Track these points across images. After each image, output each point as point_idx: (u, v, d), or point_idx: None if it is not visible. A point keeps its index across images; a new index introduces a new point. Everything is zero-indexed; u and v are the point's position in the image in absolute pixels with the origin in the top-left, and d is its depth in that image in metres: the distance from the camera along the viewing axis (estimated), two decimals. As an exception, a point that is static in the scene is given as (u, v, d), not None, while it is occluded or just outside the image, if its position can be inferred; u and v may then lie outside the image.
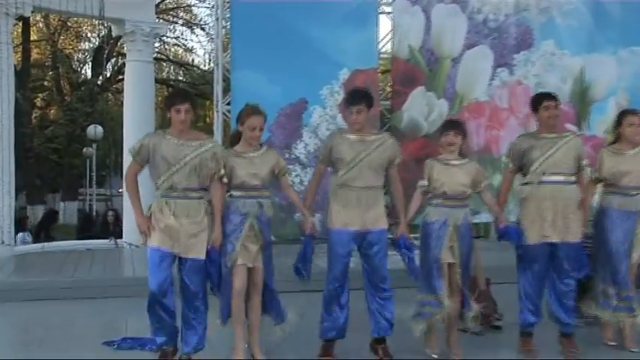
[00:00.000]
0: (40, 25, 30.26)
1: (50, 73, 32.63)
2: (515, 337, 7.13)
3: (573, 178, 6.90)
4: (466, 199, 6.93)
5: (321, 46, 12.51)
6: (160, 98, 27.83)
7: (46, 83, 33.15)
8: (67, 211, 30.27)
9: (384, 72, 16.72)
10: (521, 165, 7.07)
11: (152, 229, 6.15)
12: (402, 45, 13.16)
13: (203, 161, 6.25)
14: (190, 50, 34.52)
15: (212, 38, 24.57)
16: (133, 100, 15.01)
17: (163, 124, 30.00)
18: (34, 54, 31.02)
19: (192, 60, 35.02)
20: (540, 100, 7.13)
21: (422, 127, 12.85)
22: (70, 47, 33.98)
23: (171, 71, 35.15)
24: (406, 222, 6.91)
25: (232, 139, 6.94)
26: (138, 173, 6.41)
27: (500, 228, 6.98)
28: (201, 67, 33.46)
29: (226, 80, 13.16)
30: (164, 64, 33.43)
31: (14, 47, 17.66)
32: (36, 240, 17.93)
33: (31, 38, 29.88)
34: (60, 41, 32.16)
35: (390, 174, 6.92)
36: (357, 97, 6.89)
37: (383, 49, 14.04)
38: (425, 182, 6.85)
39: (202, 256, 6.26)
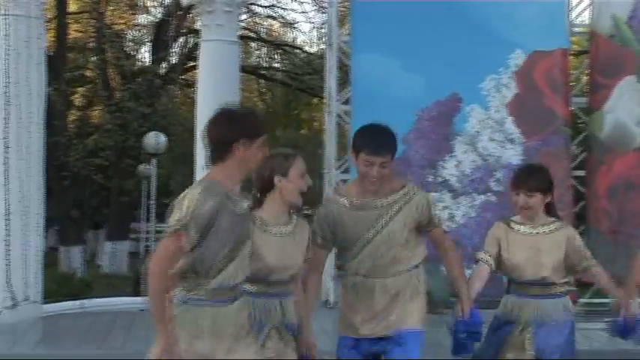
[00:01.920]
0: (81, -10, 30.91)
1: (93, 58, 33.20)
2: None
3: None
4: None
5: (482, 18, 12.48)
6: (247, 93, 28.24)
7: (87, 73, 33.76)
8: (115, 255, 30.82)
9: (578, 54, 16.55)
10: None
11: None
12: (602, 16, 13.07)
13: None
14: (291, 25, 34.75)
15: (323, 7, 24.68)
16: (211, 96, 15.10)
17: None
18: (73, 32, 31.65)
19: (294, 39, 35.32)
20: None
21: (634, 136, 12.64)
22: (122, 22, 34.57)
23: (264, 55, 35.41)
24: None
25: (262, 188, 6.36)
26: None
27: None
28: (307, 48, 33.66)
29: (343, 68, 13.18)
30: (254, 44, 33.75)
31: (46, 23, 18.08)
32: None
33: (69, 10, 30.43)
34: (108, 14, 32.77)
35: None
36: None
37: (577, 22, 13.94)
38: None
39: None
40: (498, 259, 6.95)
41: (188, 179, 18.71)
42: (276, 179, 5.89)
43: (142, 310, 14.31)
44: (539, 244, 7.11)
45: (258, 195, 5.98)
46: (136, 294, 17.75)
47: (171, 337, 5.03)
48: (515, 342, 7.05)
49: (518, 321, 7.00)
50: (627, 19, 12.92)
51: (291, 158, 6.11)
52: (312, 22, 33.11)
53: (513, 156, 12.43)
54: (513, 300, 7.30)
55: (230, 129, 5.10)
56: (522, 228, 7.11)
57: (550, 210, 6.97)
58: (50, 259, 18.36)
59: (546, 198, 6.99)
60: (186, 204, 4.98)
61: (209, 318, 5.13)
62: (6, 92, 13.57)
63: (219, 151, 5.09)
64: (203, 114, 15.07)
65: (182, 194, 5.09)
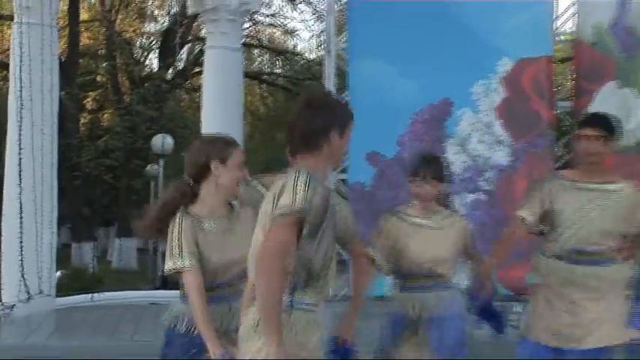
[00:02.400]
0: (92, 1, 30.85)
1: (104, 64, 33.19)
2: None
3: None
4: None
5: (473, 26, 12.48)
6: (250, 98, 28.23)
7: (98, 78, 33.77)
8: (124, 251, 30.83)
9: (562, 61, 16.58)
10: None
11: None
12: (585, 24, 13.10)
13: None
14: (292, 33, 34.79)
15: (321, 16, 24.69)
16: (215, 101, 15.12)
17: (253, 132, 30.39)
18: (84, 39, 31.65)
19: (295, 46, 35.32)
20: None
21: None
22: (131, 30, 34.62)
23: (266, 61, 35.42)
24: None
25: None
26: None
27: None
28: (307, 55, 33.66)
29: (341, 74, 13.19)
30: (256, 51, 33.75)
31: (59, 30, 18.10)
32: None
33: (81, 18, 30.44)
34: (118, 22, 32.82)
35: None
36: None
37: (561, 30, 13.98)
38: None
39: None
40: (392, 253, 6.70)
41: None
42: (212, 165, 5.24)
43: (153, 303, 14.36)
44: (432, 235, 6.93)
45: (191, 184, 5.34)
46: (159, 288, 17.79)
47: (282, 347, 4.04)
48: (412, 337, 6.97)
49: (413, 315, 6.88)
50: (608, 28, 12.97)
51: (232, 145, 5.53)
52: (312, 31, 33.05)
53: (502, 157, 12.47)
54: (406, 294, 7.19)
55: (325, 117, 4.30)
56: (415, 219, 6.90)
57: (442, 200, 6.81)
58: (63, 254, 18.34)
59: (440, 187, 6.75)
60: (302, 189, 4.05)
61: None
62: (20, 96, 13.59)
63: (309, 141, 4.24)
64: (208, 117, 15.12)
65: (283, 181, 4.16)
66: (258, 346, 3.89)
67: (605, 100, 12.85)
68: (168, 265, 4.78)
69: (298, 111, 4.33)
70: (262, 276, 3.89)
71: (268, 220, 4.06)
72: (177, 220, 4.94)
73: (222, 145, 5.26)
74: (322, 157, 4.27)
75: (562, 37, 14.26)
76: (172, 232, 4.89)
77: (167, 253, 4.79)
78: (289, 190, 4.01)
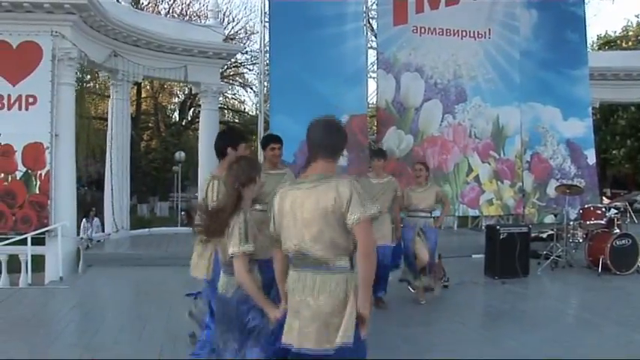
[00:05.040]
0: (147, 87, 30.36)
1: (153, 118, 32.82)
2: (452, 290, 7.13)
3: None
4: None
5: (329, 98, 12.35)
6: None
7: (150, 125, 33.34)
8: (162, 208, 30.38)
9: (371, 117, 16.72)
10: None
11: None
12: (382, 99, 13.11)
13: None
14: (243, 102, 34.68)
15: (257, 94, 24.64)
16: (205, 135, 15.02)
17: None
18: (143, 106, 31.22)
19: (244, 109, 35.07)
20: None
21: (395, 154, 12.79)
22: (166, 101, 34.20)
23: (230, 116, 35.14)
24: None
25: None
26: None
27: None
28: (250, 113, 33.44)
29: (266, 122, 13.14)
30: (226, 111, 33.45)
31: (131, 102, 17.84)
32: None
33: (142, 96, 30.00)
34: (159, 97, 32.39)
35: None
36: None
37: (370, 101, 14.06)
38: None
39: None
40: None
41: (195, 174, 18.69)
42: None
43: (176, 233, 14.17)
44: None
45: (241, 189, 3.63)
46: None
47: None
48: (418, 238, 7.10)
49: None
50: (392, 101, 13.04)
51: (258, 167, 4.03)
52: (252, 101, 32.84)
53: (343, 162, 12.30)
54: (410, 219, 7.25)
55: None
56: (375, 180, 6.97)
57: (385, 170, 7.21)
58: (132, 209, 18.03)
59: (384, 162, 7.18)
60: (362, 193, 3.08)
61: None
62: (112, 133, 13.41)
63: (334, 151, 3.21)
64: (203, 144, 15.00)
65: (349, 189, 3.01)
66: (350, 311, 2.95)
67: (391, 135, 12.97)
68: (234, 250, 3.36)
69: (325, 130, 3.19)
70: (369, 263, 2.95)
71: (344, 218, 2.98)
72: (241, 215, 3.45)
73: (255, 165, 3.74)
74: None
75: (371, 105, 14.33)
76: (236, 224, 3.42)
77: (233, 241, 3.38)
78: (359, 195, 3.03)
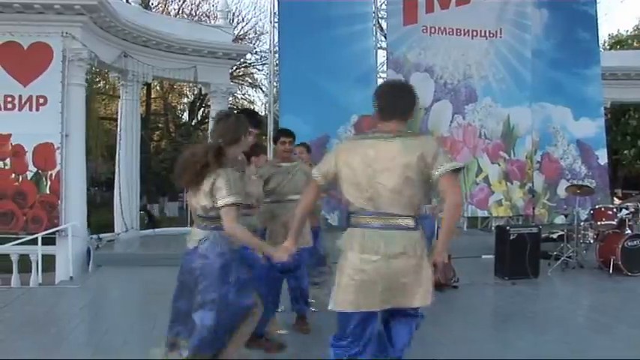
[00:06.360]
0: (157, 87, 30.43)
1: (162, 118, 32.84)
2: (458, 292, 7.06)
3: None
4: None
5: (339, 98, 12.50)
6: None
7: (160, 125, 33.35)
8: (171, 208, 30.42)
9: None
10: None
11: None
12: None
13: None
14: (252, 102, 34.60)
15: (267, 94, 24.67)
16: (216, 135, 15.12)
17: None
18: (153, 106, 31.25)
19: (254, 109, 35.01)
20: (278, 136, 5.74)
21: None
22: (175, 101, 34.23)
23: (240, 116, 35.21)
24: None
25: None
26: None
27: None
28: (260, 113, 33.45)
29: (276, 122, 13.17)
30: (235, 111, 33.47)
31: (141, 102, 17.88)
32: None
33: (152, 96, 30.07)
34: (169, 98, 32.43)
35: None
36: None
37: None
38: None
39: None
40: None
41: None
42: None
43: (184, 233, 14.18)
44: None
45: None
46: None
47: None
48: None
49: None
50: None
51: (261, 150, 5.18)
52: (262, 101, 32.81)
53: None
54: None
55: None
56: None
57: None
58: (142, 209, 18.07)
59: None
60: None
61: None
62: (120, 133, 13.44)
63: (409, 115, 3.25)
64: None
65: (435, 144, 3.14)
66: (427, 273, 2.96)
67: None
68: (225, 201, 3.27)
69: (398, 93, 3.22)
70: (458, 213, 2.96)
71: (428, 172, 2.93)
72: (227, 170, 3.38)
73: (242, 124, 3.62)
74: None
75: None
76: (221, 177, 3.34)
77: (220, 193, 3.29)
78: (444, 151, 3.05)
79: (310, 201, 3.29)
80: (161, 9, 29.02)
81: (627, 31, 31.08)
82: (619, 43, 29.25)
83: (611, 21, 51.14)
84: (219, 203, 3.32)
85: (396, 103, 3.15)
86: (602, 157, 14.15)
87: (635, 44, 28.25)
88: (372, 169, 2.98)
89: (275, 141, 5.68)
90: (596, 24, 14.26)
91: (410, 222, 2.98)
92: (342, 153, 3.13)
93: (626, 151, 24.73)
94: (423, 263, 2.97)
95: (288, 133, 5.64)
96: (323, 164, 3.22)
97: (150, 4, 27.79)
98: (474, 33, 13.35)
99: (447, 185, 2.92)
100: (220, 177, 3.34)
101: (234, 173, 3.42)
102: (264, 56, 25.27)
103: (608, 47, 27.96)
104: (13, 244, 10.47)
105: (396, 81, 3.14)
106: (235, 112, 4.08)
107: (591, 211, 10.10)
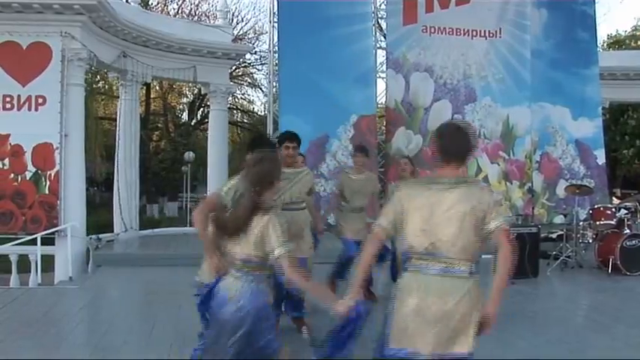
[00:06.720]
0: (156, 87, 30.40)
1: (162, 118, 32.83)
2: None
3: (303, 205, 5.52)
4: None
5: (338, 98, 12.50)
6: (230, 133, 27.98)
7: (159, 125, 33.34)
8: (170, 208, 30.41)
9: (380, 117, 16.72)
10: None
11: None
12: (391, 99, 13.14)
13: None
14: (251, 102, 34.62)
15: (266, 94, 24.67)
16: (214, 136, 15.08)
17: (233, 151, 30.22)
18: (152, 106, 31.22)
19: (253, 109, 35.03)
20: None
21: (403, 153, 12.75)
22: (175, 101, 34.22)
23: (239, 117, 35.14)
24: None
25: None
26: None
27: None
28: (259, 113, 33.42)
29: (275, 122, 13.17)
30: (235, 111, 33.45)
31: (140, 102, 17.89)
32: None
33: (151, 96, 30.05)
34: (168, 98, 32.43)
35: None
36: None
37: (379, 102, 14.09)
38: None
39: None
40: None
41: (204, 174, 18.74)
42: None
43: (185, 233, 14.17)
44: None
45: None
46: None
47: None
48: None
49: None
50: (401, 102, 13.05)
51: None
52: (262, 101, 32.74)
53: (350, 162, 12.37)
54: None
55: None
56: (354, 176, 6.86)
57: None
58: (141, 210, 18.10)
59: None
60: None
61: None
62: (119, 132, 13.42)
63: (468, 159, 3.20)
64: (211, 144, 15.05)
65: (489, 195, 3.19)
66: (476, 318, 3.03)
67: (400, 135, 12.97)
68: (280, 251, 3.15)
69: (459, 136, 3.15)
70: (511, 266, 3.01)
71: (483, 223, 3.03)
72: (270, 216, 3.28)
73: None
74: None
75: (380, 105, 14.37)
76: (269, 225, 3.23)
77: (272, 243, 3.18)
78: (497, 202, 3.20)
79: (373, 255, 3.20)
80: (160, 9, 28.99)
81: (625, 31, 31.09)
82: (617, 43, 29.26)
83: (610, 21, 51.19)
84: (276, 253, 3.17)
85: (457, 147, 3.13)
86: (601, 156, 14.15)
87: (632, 44, 28.24)
88: (434, 216, 3.04)
89: (280, 144, 5.36)
90: (595, 24, 14.27)
91: (466, 268, 3.07)
92: (405, 199, 3.14)
93: (625, 151, 24.73)
94: (474, 311, 3.04)
95: (293, 138, 5.37)
96: (387, 214, 3.17)
97: (149, 3, 27.77)
98: (474, 33, 13.34)
99: (503, 238, 3.03)
100: (269, 225, 3.21)
101: (280, 218, 3.31)
102: (264, 56, 25.24)
103: (607, 47, 27.96)
104: (12, 245, 10.46)
105: (459, 121, 3.10)
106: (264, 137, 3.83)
107: (590, 211, 10.10)
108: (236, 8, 31.93)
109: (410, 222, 3.10)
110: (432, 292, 3.01)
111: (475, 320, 3.03)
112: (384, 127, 14.47)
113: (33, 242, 10.37)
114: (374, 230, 3.20)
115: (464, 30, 13.29)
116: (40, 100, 10.82)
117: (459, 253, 3.03)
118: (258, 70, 30.47)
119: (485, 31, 13.41)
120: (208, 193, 15.26)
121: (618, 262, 9.14)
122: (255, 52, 28.21)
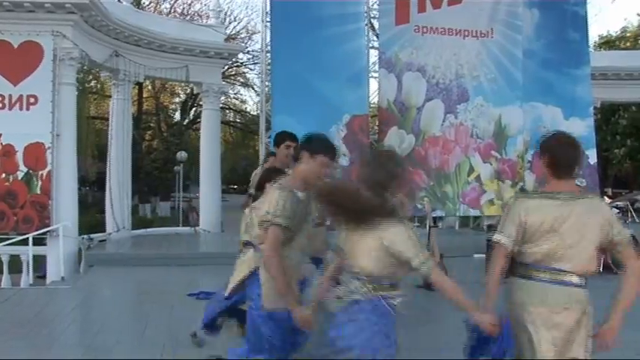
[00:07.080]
0: (149, 87, 30.33)
1: (154, 118, 32.77)
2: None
3: None
4: None
5: (331, 98, 12.45)
6: (223, 133, 27.99)
7: (151, 124, 33.27)
8: (163, 208, 30.33)
9: (372, 116, 16.73)
10: None
11: None
12: (383, 99, 13.12)
13: None
14: (244, 102, 34.64)
15: (259, 94, 24.67)
16: (207, 135, 15.06)
17: (225, 150, 30.16)
18: (145, 106, 31.19)
19: (246, 108, 35.05)
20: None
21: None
22: (167, 101, 34.18)
23: (232, 116, 35.11)
24: None
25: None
26: None
27: None
28: (252, 113, 33.42)
29: (268, 122, 13.15)
30: (227, 111, 33.44)
31: (132, 102, 17.84)
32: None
33: (143, 95, 29.99)
34: (161, 97, 32.37)
35: None
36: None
37: (372, 101, 14.08)
38: None
39: None
40: None
41: (196, 173, 18.68)
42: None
43: (177, 233, 14.14)
44: None
45: None
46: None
47: None
48: None
49: None
50: (394, 101, 13.03)
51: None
52: (254, 101, 32.80)
53: (344, 161, 12.29)
54: None
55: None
56: None
57: None
58: (134, 209, 18.08)
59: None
60: None
61: None
62: (112, 132, 13.38)
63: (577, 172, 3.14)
64: (204, 143, 15.02)
65: (609, 208, 3.32)
66: (589, 329, 3.17)
67: (392, 135, 12.96)
68: (419, 260, 2.92)
69: (575, 150, 3.10)
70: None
71: (607, 236, 3.06)
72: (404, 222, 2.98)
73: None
74: None
75: (372, 104, 14.33)
76: (405, 232, 2.92)
77: (416, 250, 2.90)
78: (615, 214, 3.14)
79: (502, 269, 3.18)
80: (153, 8, 28.92)
81: (616, 32, 31.28)
82: (607, 43, 29.44)
83: (601, 22, 51.41)
84: (414, 265, 2.89)
85: (572, 161, 3.08)
86: (592, 156, 14.20)
87: (622, 45, 28.41)
88: (558, 228, 3.01)
89: (279, 143, 5.12)
90: (586, 24, 14.32)
91: (583, 280, 3.14)
92: (523, 213, 3.05)
93: (616, 150, 24.90)
94: (588, 322, 3.13)
95: (293, 137, 5.02)
96: (509, 229, 3.07)
97: (141, 3, 27.69)
98: (466, 33, 13.37)
99: (630, 253, 3.07)
100: (405, 232, 2.90)
101: (409, 224, 2.98)
102: (256, 55, 25.22)
103: (598, 48, 28.13)
104: (4, 245, 10.42)
105: (570, 137, 3.01)
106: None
107: (582, 211, 10.11)
108: (228, 8, 32.14)
109: (528, 233, 3.06)
110: (552, 302, 3.07)
111: (588, 333, 3.14)
112: (376, 127, 14.47)
113: (25, 242, 10.32)
114: (500, 243, 3.13)
115: (456, 30, 13.31)
116: (32, 100, 10.78)
117: (582, 267, 3.08)
118: (251, 69, 30.52)
119: (477, 31, 13.44)
120: (200, 193, 15.25)
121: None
122: (248, 52, 28.25)
